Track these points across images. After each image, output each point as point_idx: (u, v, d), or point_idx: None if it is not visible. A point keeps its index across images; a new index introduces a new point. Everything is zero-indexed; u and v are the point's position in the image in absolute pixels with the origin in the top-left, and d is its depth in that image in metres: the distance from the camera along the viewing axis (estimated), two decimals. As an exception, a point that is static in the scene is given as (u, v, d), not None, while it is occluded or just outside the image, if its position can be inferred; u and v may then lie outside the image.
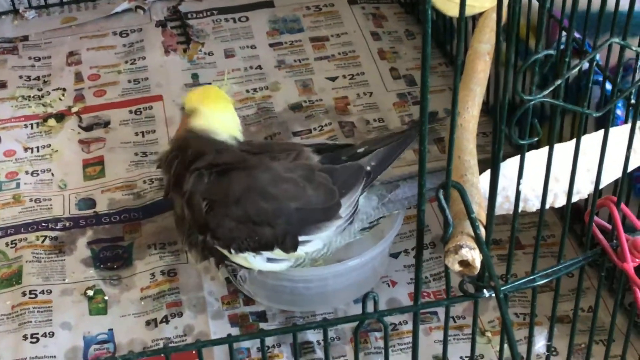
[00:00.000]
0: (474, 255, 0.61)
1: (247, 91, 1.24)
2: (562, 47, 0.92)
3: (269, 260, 0.87)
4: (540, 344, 0.87)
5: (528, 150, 0.71)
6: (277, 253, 0.86)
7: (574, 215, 0.95)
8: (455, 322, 0.93)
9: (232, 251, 0.85)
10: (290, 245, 0.86)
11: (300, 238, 0.86)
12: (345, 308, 0.95)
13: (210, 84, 1.25)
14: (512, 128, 0.59)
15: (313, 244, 0.87)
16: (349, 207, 0.88)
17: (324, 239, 0.87)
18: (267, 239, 0.85)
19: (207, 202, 0.85)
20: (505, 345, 0.72)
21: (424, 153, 0.58)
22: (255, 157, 0.87)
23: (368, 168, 0.90)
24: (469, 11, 0.87)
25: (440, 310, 0.93)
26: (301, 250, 0.86)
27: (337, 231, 0.88)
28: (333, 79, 1.25)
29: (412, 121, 0.97)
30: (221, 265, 0.89)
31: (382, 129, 1.16)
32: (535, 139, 0.60)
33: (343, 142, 1.02)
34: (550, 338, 0.77)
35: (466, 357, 0.89)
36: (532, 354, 0.78)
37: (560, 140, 0.85)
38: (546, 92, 0.58)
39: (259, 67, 1.28)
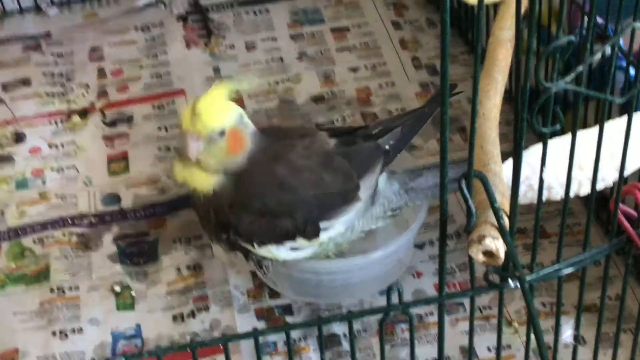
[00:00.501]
0: (498, 245, 0.60)
1: (269, 84, 1.24)
2: (584, 32, 0.91)
3: (293, 249, 0.87)
4: (567, 334, 0.87)
5: (551, 138, 0.71)
6: (300, 242, 0.86)
7: (600, 203, 0.94)
8: (481, 312, 0.92)
9: (255, 245, 0.85)
10: (312, 233, 0.85)
11: (322, 224, 0.85)
12: (371, 300, 0.95)
13: (232, 77, 1.25)
14: (535, 116, 0.58)
15: (335, 228, 0.86)
16: (368, 188, 0.87)
17: (346, 223, 0.87)
18: (288, 229, 0.85)
19: (229, 200, 0.85)
20: (532, 335, 0.72)
21: (445, 142, 0.58)
22: (270, 148, 0.86)
23: (387, 147, 0.89)
24: (490, -1, 0.86)
25: (467, 301, 0.93)
26: (324, 236, 0.86)
27: (358, 214, 0.87)
28: (355, 69, 1.25)
29: (430, 98, 0.96)
30: (248, 258, 0.89)
31: (405, 118, 1.16)
32: (558, 127, 0.60)
33: (357, 125, 1.01)
34: (577, 327, 0.76)
35: (493, 347, 0.88)
36: (560, 344, 0.77)
37: (585, 126, 0.85)
38: (568, 79, 0.57)
39: (280, 59, 1.28)
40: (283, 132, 0.90)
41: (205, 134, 0.82)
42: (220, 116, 0.82)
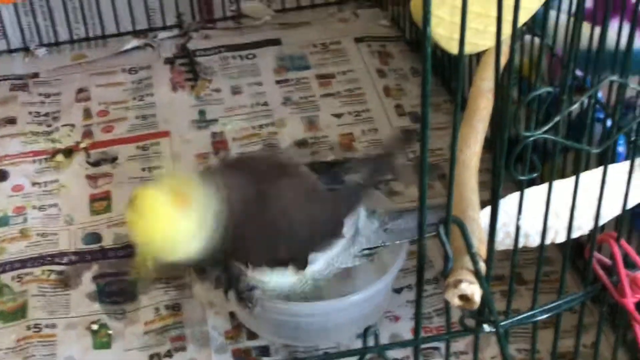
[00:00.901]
0: (474, 290, 0.61)
1: (254, 127, 1.25)
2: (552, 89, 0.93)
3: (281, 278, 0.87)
4: (542, 381, 0.87)
5: (530, 186, 0.72)
6: (290, 271, 0.86)
7: (577, 250, 0.95)
8: (458, 357, 0.93)
9: (249, 266, 0.85)
10: (302, 264, 0.86)
11: (310, 256, 0.86)
12: (349, 343, 0.95)
13: (217, 120, 1.26)
14: (512, 164, 0.60)
15: (318, 263, 0.87)
16: (351, 226, 0.88)
17: (327, 259, 0.87)
18: (282, 254, 0.85)
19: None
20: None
21: (424, 186, 0.59)
22: (265, 183, 0.86)
23: (363, 183, 0.90)
24: (473, 49, 0.87)
25: (443, 345, 0.93)
26: (308, 269, 0.86)
27: (340, 251, 0.88)
28: (339, 115, 1.26)
29: (401, 131, 0.97)
30: (235, 286, 0.88)
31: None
32: (535, 175, 0.61)
33: (334, 160, 1.02)
34: (552, 374, 0.77)
35: (469, 393, 0.89)
36: (534, 391, 0.78)
37: (564, 176, 0.86)
38: (545, 129, 0.59)
39: (265, 103, 1.29)
40: (265, 171, 0.88)
41: None
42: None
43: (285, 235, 0.85)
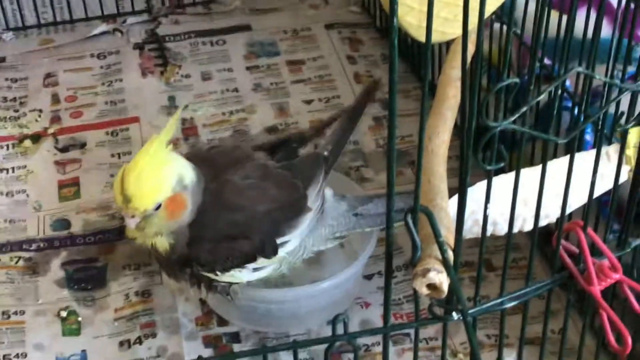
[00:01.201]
0: (442, 279, 0.62)
1: (224, 114, 1.24)
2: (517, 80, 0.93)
3: (255, 269, 0.87)
4: (509, 366, 0.88)
5: (498, 174, 0.72)
6: (261, 261, 0.86)
7: (545, 238, 0.96)
8: (427, 343, 0.93)
9: (218, 273, 0.85)
10: (271, 251, 0.85)
11: (278, 240, 0.86)
12: (319, 329, 0.95)
13: (187, 106, 1.25)
14: (479, 154, 0.60)
15: (291, 243, 0.87)
16: (316, 198, 0.87)
17: (300, 236, 0.87)
18: (247, 251, 0.85)
19: (186, 239, 0.84)
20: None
21: (391, 174, 0.59)
22: (213, 180, 0.85)
23: (325, 153, 0.90)
24: (441, 37, 0.88)
25: (413, 332, 0.94)
26: (282, 252, 0.86)
27: (310, 225, 0.87)
28: (309, 102, 1.26)
29: (361, 92, 0.96)
30: (212, 287, 0.88)
31: (357, 152, 1.17)
32: (502, 164, 0.61)
33: (288, 135, 1.01)
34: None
35: (438, 378, 0.89)
36: (501, 376, 0.78)
37: (532, 164, 0.87)
38: (512, 119, 0.59)
39: (236, 89, 1.29)
40: (220, 163, 0.87)
41: (139, 213, 0.80)
42: (151, 194, 0.80)
43: (246, 226, 0.85)
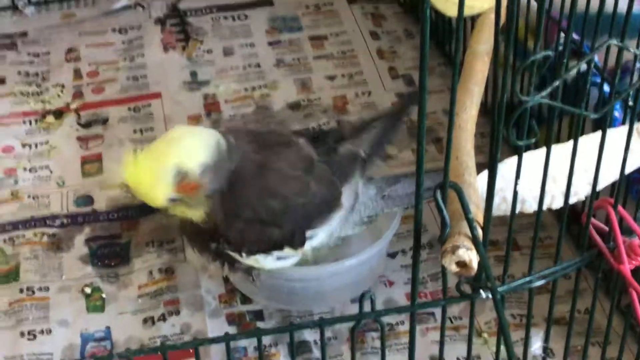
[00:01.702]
0: (471, 256, 0.61)
1: (246, 89, 1.24)
2: (560, 48, 0.92)
3: (279, 258, 0.86)
4: (536, 345, 0.88)
5: (525, 151, 0.71)
6: (287, 251, 0.86)
7: (572, 216, 0.95)
8: (452, 322, 0.93)
9: (243, 255, 0.85)
10: (299, 242, 0.85)
11: (307, 233, 0.85)
12: (342, 307, 0.95)
13: (209, 82, 1.25)
14: (510, 129, 0.59)
15: (318, 237, 0.86)
16: (349, 196, 0.87)
17: (328, 231, 0.87)
18: (276, 238, 0.84)
19: (220, 212, 0.83)
20: (502, 347, 0.72)
21: (422, 152, 0.59)
22: (256, 158, 0.84)
23: (362, 154, 0.89)
24: (468, 12, 0.87)
25: (437, 311, 0.93)
26: (308, 245, 0.86)
27: (340, 222, 0.87)
28: (332, 77, 1.25)
29: (401, 97, 0.95)
30: (232, 269, 0.88)
31: (380, 128, 1.16)
32: (533, 140, 0.60)
33: (328, 128, 1.00)
34: (546, 340, 0.77)
35: (463, 357, 0.89)
36: (529, 356, 0.78)
37: (558, 142, 0.86)
38: (544, 94, 0.58)
39: (258, 65, 1.28)
40: (265, 140, 0.87)
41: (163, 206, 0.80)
42: (156, 199, 0.79)
43: (281, 215, 0.84)
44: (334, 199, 0.86)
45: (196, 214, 0.82)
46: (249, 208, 0.83)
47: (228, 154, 0.81)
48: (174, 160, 0.78)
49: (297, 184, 0.85)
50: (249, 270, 0.88)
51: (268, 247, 0.84)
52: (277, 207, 0.84)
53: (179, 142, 0.80)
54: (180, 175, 0.78)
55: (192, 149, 0.80)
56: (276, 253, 0.85)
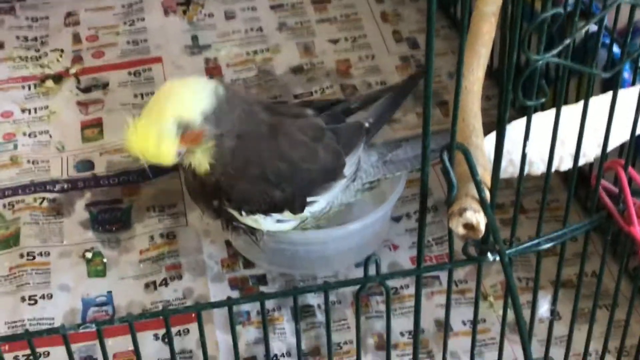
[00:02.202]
0: (479, 219, 0.60)
1: (248, 53, 1.22)
2: (569, 9, 0.91)
3: (278, 221, 0.86)
4: (543, 309, 0.87)
5: (534, 113, 0.70)
6: (286, 215, 0.85)
7: (578, 179, 0.94)
8: (457, 286, 0.92)
9: (243, 213, 0.84)
10: (299, 207, 0.85)
11: (308, 199, 0.85)
12: (346, 271, 0.94)
13: (210, 46, 1.23)
14: (519, 89, 0.58)
15: (318, 204, 0.86)
16: (352, 165, 0.87)
17: (328, 199, 0.86)
18: (277, 200, 0.84)
19: (225, 167, 0.82)
20: (508, 310, 0.71)
21: (428, 113, 0.57)
22: (269, 121, 0.84)
23: (366, 125, 0.89)
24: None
25: (442, 275, 0.92)
26: (307, 211, 0.85)
27: (341, 190, 0.87)
28: (335, 41, 1.24)
29: (410, 75, 0.95)
30: (232, 228, 0.88)
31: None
32: (543, 100, 0.59)
33: (335, 98, 1.00)
34: (554, 302, 0.76)
35: (468, 320, 0.88)
36: (536, 318, 0.77)
37: (565, 104, 0.84)
38: (555, 52, 0.57)
39: (260, 29, 1.26)
40: (275, 107, 0.88)
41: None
42: (163, 157, 0.79)
43: (286, 178, 0.83)
44: (337, 167, 0.86)
45: (204, 163, 0.81)
46: (257, 166, 0.82)
47: (228, 100, 0.81)
48: (173, 114, 0.78)
49: (305, 149, 0.84)
50: (253, 231, 0.87)
51: (268, 208, 0.84)
52: (285, 170, 0.83)
53: (174, 95, 0.80)
54: (182, 127, 0.77)
55: (189, 99, 0.79)
56: (276, 215, 0.85)
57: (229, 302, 0.63)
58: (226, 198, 0.83)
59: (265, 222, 0.86)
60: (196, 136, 0.79)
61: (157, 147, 0.78)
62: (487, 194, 0.62)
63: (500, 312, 0.74)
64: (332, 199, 0.87)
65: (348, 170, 0.87)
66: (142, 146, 0.78)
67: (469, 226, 0.61)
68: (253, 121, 0.83)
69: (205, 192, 0.84)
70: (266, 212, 0.84)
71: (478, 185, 0.61)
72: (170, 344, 0.64)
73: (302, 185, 0.84)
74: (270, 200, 0.84)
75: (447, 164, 0.61)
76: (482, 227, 0.60)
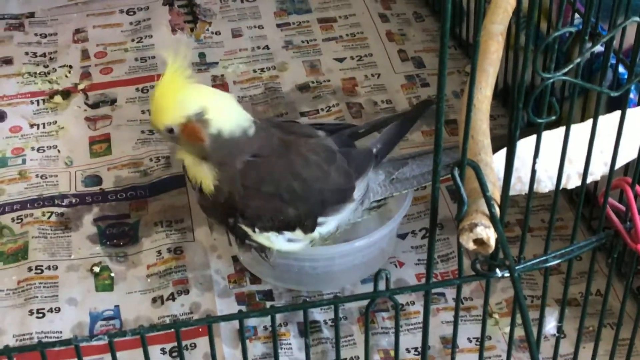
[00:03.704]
0: (489, 234, 0.60)
1: (255, 71, 1.23)
2: (575, 29, 0.92)
3: (289, 240, 0.87)
4: (550, 326, 0.87)
5: (544, 130, 0.71)
6: (297, 234, 0.86)
7: (585, 198, 0.95)
8: (462, 303, 0.92)
9: (257, 230, 0.85)
10: (310, 227, 0.86)
11: (319, 219, 0.86)
12: (352, 288, 0.95)
13: (217, 63, 1.24)
14: (529, 107, 0.59)
15: (327, 225, 0.87)
16: (361, 189, 0.88)
17: (338, 221, 0.88)
18: (290, 219, 0.85)
19: (243, 186, 0.84)
20: (515, 327, 0.72)
21: (440, 130, 0.58)
22: (282, 140, 0.86)
23: (374, 150, 0.90)
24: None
25: (448, 292, 0.93)
26: (316, 232, 0.86)
27: (350, 213, 0.88)
28: (341, 60, 1.25)
29: (418, 103, 0.97)
30: (243, 245, 0.88)
31: (389, 110, 1.16)
32: (553, 118, 0.60)
33: (345, 123, 1.02)
34: (561, 320, 0.77)
35: (474, 338, 0.89)
36: (542, 336, 0.78)
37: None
38: (565, 70, 0.58)
39: (267, 47, 1.27)
40: (289, 128, 0.89)
41: (157, 131, 0.84)
42: (164, 117, 0.82)
43: (299, 197, 0.84)
44: (348, 190, 0.87)
45: (206, 183, 0.83)
46: (271, 184, 0.83)
47: (250, 140, 0.83)
48: (206, 99, 0.81)
49: (318, 170, 0.85)
50: (264, 248, 0.87)
51: (281, 226, 0.85)
52: (298, 188, 0.84)
53: (221, 94, 0.84)
54: (197, 116, 0.80)
55: (227, 107, 0.82)
56: (287, 234, 0.85)
57: (240, 316, 0.64)
58: (240, 214, 0.84)
59: (277, 240, 0.86)
60: (196, 134, 0.81)
61: (168, 102, 0.81)
62: (497, 210, 0.63)
63: (506, 330, 0.75)
64: (341, 221, 0.88)
65: (357, 193, 0.88)
66: (165, 88, 0.81)
67: (479, 242, 0.61)
68: (267, 140, 0.84)
69: (218, 209, 0.85)
70: (279, 229, 0.85)
71: (489, 201, 0.62)
72: (180, 357, 0.64)
73: (314, 204, 0.85)
74: (284, 218, 0.85)
75: (458, 180, 0.61)
76: (492, 243, 0.61)
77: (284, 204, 0.84)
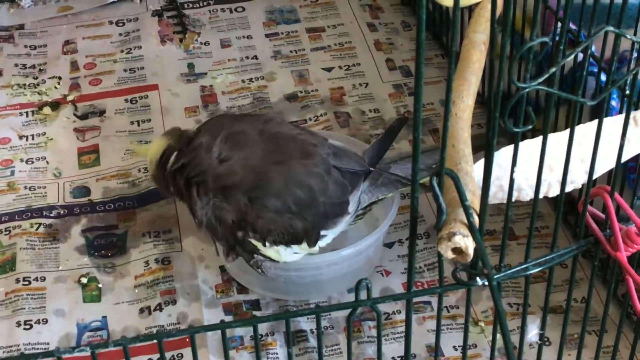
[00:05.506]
0: (467, 243, 0.61)
1: (243, 81, 1.24)
2: (557, 38, 0.92)
3: (295, 253, 0.88)
4: (532, 333, 0.88)
5: (522, 140, 0.71)
6: (303, 246, 0.87)
7: (568, 205, 0.95)
8: (448, 311, 0.93)
9: (267, 244, 0.86)
10: (314, 239, 0.87)
11: (321, 232, 0.87)
12: (339, 297, 0.95)
13: (206, 74, 1.25)
14: (506, 116, 0.59)
15: (326, 238, 0.88)
16: (354, 203, 0.89)
17: (335, 234, 0.89)
18: (299, 230, 0.85)
19: (248, 197, 0.84)
20: (498, 335, 0.72)
21: (417, 140, 0.58)
22: (281, 153, 0.87)
23: (366, 166, 0.90)
24: (465, 2, 0.86)
25: (434, 300, 0.93)
26: (317, 245, 0.88)
27: (344, 227, 0.89)
28: (329, 69, 1.25)
29: (394, 121, 0.98)
30: (250, 259, 0.89)
31: (377, 119, 1.16)
32: (530, 127, 0.60)
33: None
34: (543, 327, 0.77)
35: (459, 346, 0.89)
36: (525, 343, 0.78)
37: (555, 131, 0.86)
38: (541, 80, 0.58)
39: (255, 57, 1.28)
40: (286, 141, 0.89)
41: None
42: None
43: (307, 206, 0.85)
44: (344, 203, 0.87)
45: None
46: (279, 199, 0.84)
47: None
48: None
49: (319, 180, 0.86)
50: (259, 263, 0.88)
51: (291, 239, 0.85)
52: (304, 197, 0.85)
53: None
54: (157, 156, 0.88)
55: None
56: (295, 247, 0.86)
57: (222, 326, 0.64)
58: (251, 229, 0.85)
59: (285, 254, 0.87)
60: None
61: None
62: (476, 219, 0.63)
63: (491, 338, 0.75)
64: (337, 235, 0.89)
65: (351, 207, 0.89)
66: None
67: (457, 250, 0.62)
68: (266, 156, 0.86)
69: (228, 223, 0.85)
70: (288, 243, 0.86)
71: (467, 210, 0.62)
72: (163, 367, 0.64)
73: (318, 216, 0.86)
74: (294, 230, 0.85)
75: (437, 189, 0.62)
76: (471, 252, 0.61)
77: (295, 217, 0.85)
